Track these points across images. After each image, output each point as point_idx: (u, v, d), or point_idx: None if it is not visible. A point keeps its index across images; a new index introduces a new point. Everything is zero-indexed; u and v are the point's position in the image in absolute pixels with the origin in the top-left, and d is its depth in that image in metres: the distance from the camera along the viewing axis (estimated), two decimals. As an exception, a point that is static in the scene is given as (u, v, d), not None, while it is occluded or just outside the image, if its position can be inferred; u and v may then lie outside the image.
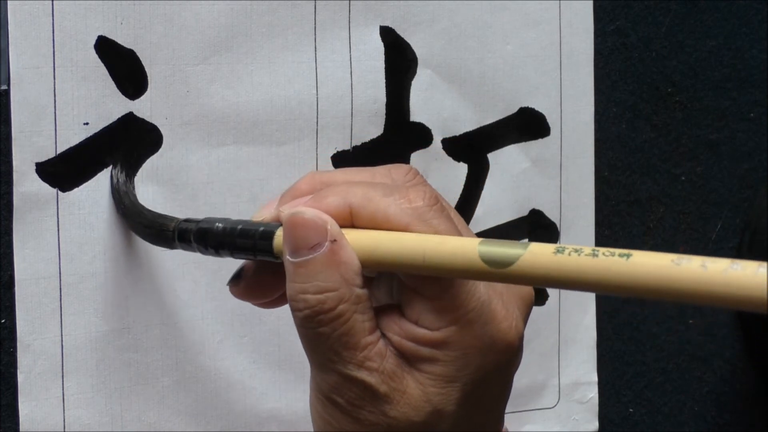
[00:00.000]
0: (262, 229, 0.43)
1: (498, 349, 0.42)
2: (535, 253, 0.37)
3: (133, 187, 0.53)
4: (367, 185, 0.43)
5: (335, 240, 0.41)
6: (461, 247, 0.39)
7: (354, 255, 0.41)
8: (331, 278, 0.41)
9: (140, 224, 0.51)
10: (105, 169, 0.53)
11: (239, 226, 0.44)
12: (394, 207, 0.41)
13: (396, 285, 0.44)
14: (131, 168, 0.53)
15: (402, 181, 0.45)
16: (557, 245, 0.37)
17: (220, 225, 0.45)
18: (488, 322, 0.41)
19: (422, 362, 0.41)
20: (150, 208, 0.53)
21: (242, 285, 0.45)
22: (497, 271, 0.38)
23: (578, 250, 0.36)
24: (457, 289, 0.41)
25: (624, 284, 0.35)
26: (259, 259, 0.44)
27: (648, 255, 0.35)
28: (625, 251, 0.35)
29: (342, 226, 0.42)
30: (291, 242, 0.41)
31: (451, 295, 0.41)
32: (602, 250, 0.36)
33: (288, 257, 0.41)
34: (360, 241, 0.41)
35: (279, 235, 0.43)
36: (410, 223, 0.41)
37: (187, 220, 0.48)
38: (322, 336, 0.41)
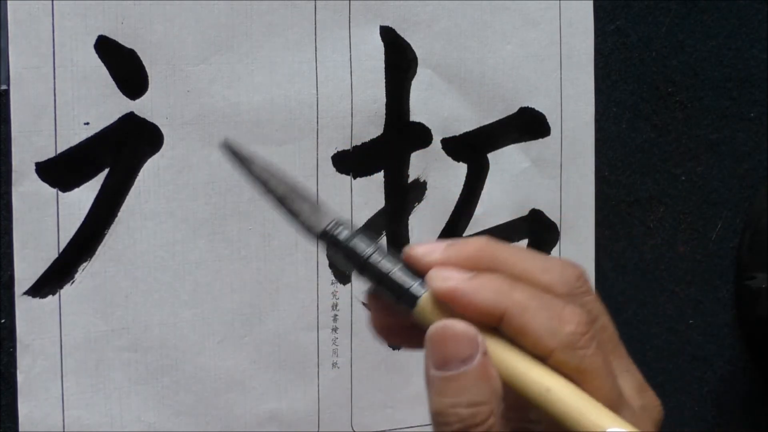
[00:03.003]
0: (411, 288, 0.41)
1: None
2: None
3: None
4: (528, 292, 0.41)
5: (486, 352, 0.40)
6: (587, 423, 0.38)
7: (495, 368, 0.40)
8: (483, 391, 0.39)
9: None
10: (105, 169, 0.53)
11: (396, 268, 0.41)
12: (545, 327, 0.40)
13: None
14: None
15: (569, 286, 0.42)
16: None
17: (379, 258, 0.41)
18: None
19: None
20: (151, 207, 0.53)
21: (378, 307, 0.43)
22: None
23: None
24: None
25: None
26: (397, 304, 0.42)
27: None
28: None
29: (488, 325, 0.40)
30: (441, 355, 0.40)
31: None
32: None
33: (434, 372, 0.40)
34: (499, 359, 0.40)
35: (424, 300, 0.40)
36: (555, 349, 0.39)
37: (338, 222, 0.42)
38: None
